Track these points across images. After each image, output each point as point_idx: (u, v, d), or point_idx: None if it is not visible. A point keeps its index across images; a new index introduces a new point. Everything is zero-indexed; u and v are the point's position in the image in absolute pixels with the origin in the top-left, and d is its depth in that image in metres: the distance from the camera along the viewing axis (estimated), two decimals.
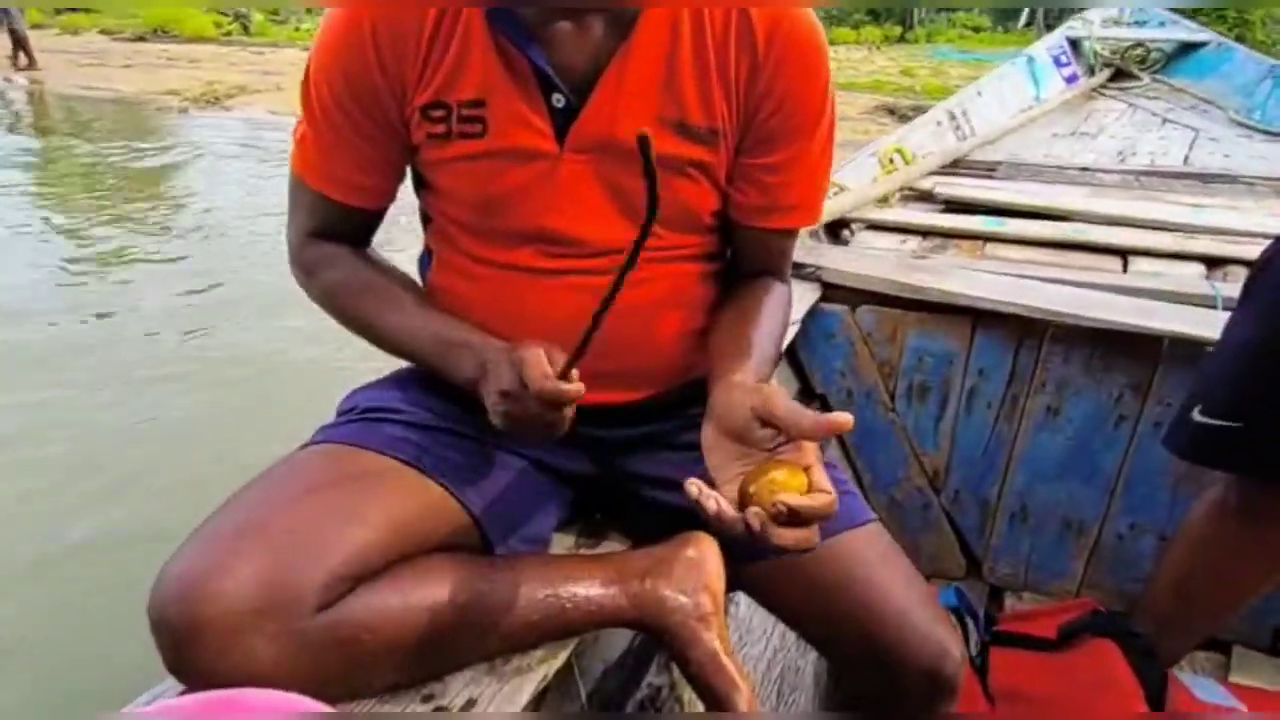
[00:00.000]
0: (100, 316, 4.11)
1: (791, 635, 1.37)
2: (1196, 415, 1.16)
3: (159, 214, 5.91)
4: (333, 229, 0.90)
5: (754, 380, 0.76)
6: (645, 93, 0.80)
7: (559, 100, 0.79)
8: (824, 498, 0.63)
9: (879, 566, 0.87)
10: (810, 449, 0.67)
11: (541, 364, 0.71)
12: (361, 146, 0.84)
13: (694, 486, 0.64)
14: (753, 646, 1.31)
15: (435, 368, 0.85)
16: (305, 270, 0.91)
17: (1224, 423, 1.13)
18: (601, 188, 0.83)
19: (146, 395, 3.33)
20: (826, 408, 1.76)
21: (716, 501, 0.63)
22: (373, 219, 0.92)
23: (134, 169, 7.17)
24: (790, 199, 0.89)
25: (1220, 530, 1.26)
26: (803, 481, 0.64)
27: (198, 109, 10.01)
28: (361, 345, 0.91)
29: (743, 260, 0.96)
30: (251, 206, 5.96)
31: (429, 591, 0.74)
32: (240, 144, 8.17)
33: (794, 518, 0.62)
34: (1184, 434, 1.19)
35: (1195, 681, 1.28)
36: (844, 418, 0.63)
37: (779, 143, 0.85)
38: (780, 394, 0.69)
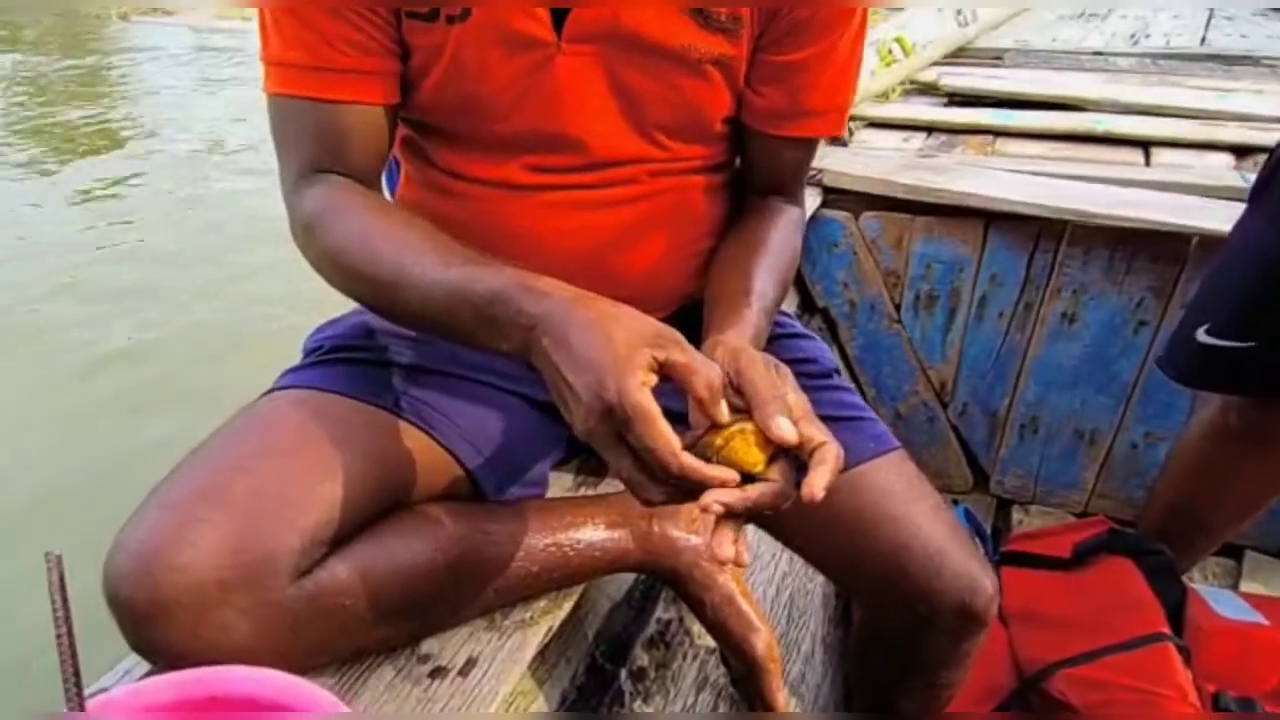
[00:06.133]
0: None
1: (800, 558, 1.33)
2: (1202, 336, 1.08)
3: (103, 130, 5.64)
4: (337, 151, 0.71)
5: (751, 332, 0.67)
6: None
7: None
8: (772, 487, 0.54)
9: (907, 500, 0.81)
10: (796, 405, 0.57)
11: (667, 438, 0.51)
12: (354, 20, 0.67)
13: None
14: (760, 572, 1.26)
15: (464, 339, 0.64)
16: (306, 225, 0.70)
17: (1234, 343, 1.06)
18: (605, 85, 0.72)
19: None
20: (829, 322, 1.69)
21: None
22: (385, 126, 0.73)
23: (75, 80, 6.80)
24: (815, 102, 0.79)
25: (1220, 453, 1.22)
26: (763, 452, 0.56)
27: (139, 15, 9.48)
28: None
29: (753, 175, 0.86)
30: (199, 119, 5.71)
31: (417, 549, 0.67)
32: (192, 49, 7.81)
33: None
34: (1185, 356, 1.12)
35: (1214, 595, 1.25)
36: (817, 487, 0.53)
37: (808, 36, 0.74)
38: (755, 364, 0.58)
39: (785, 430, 0.54)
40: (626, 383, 0.51)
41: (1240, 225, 1.10)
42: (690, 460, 0.52)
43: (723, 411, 0.54)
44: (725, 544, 0.55)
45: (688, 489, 0.53)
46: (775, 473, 0.55)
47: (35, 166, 4.84)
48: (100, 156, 4.98)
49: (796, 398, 0.58)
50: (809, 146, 0.85)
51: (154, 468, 0.64)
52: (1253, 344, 1.05)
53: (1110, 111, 1.84)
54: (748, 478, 0.55)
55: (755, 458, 0.55)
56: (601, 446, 0.54)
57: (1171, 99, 1.86)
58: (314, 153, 0.71)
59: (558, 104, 0.72)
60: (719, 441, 0.55)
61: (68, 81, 6.67)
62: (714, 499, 0.52)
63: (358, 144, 0.71)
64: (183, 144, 5.27)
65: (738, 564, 0.56)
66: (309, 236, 0.70)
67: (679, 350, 0.54)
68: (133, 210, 4.22)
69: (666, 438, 0.51)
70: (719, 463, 0.54)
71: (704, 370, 0.54)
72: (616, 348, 0.52)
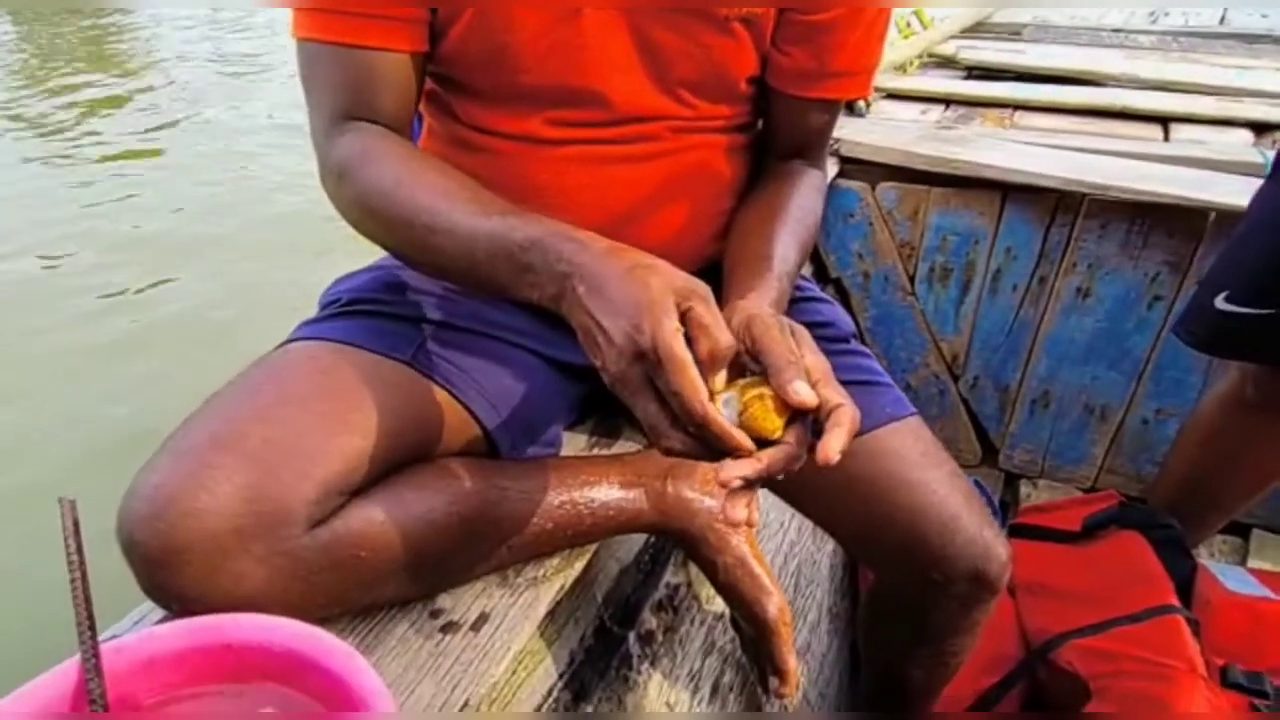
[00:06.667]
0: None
1: (808, 527, 1.32)
2: (1220, 303, 1.08)
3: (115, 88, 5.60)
4: (367, 98, 0.70)
5: (773, 296, 0.66)
6: None
7: None
8: (786, 450, 0.54)
9: (923, 465, 0.80)
10: (814, 367, 0.56)
11: (696, 384, 0.51)
12: None
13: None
14: (769, 540, 1.26)
15: (495, 288, 0.63)
16: (338, 172, 0.69)
17: (1253, 310, 1.06)
18: (631, 41, 0.71)
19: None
20: (842, 292, 1.68)
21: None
22: (413, 75, 0.72)
23: (80, 39, 6.74)
24: (842, 62, 0.78)
25: (1236, 424, 1.22)
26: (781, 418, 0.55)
27: None
28: None
29: (776, 138, 0.85)
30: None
31: (432, 503, 0.66)
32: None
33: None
34: (1203, 323, 1.12)
35: (1224, 571, 1.25)
36: (832, 450, 0.52)
37: None
38: (770, 329, 0.57)
39: (804, 395, 0.53)
40: (661, 326, 0.51)
41: (1260, 194, 1.10)
42: (715, 411, 0.52)
43: (717, 380, 0.54)
44: (739, 507, 0.56)
45: (707, 442, 0.53)
46: (790, 435, 0.55)
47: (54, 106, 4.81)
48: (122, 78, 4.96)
49: (815, 359, 0.57)
50: (834, 109, 0.84)
51: (171, 410, 0.64)
52: (1272, 311, 1.05)
53: (1129, 87, 1.81)
54: (764, 442, 0.55)
55: (774, 424, 0.54)
56: (630, 391, 0.53)
57: (1191, 75, 1.83)
58: (344, 100, 0.70)
59: (582, 57, 0.71)
60: (758, 412, 0.55)
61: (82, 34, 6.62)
62: (732, 474, 0.52)
63: (387, 92, 0.70)
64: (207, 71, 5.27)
65: (748, 525, 0.56)
66: (340, 183, 0.69)
67: (702, 305, 0.54)
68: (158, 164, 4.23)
69: (696, 384, 0.51)
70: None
71: (715, 334, 0.53)
72: (652, 294, 0.52)
